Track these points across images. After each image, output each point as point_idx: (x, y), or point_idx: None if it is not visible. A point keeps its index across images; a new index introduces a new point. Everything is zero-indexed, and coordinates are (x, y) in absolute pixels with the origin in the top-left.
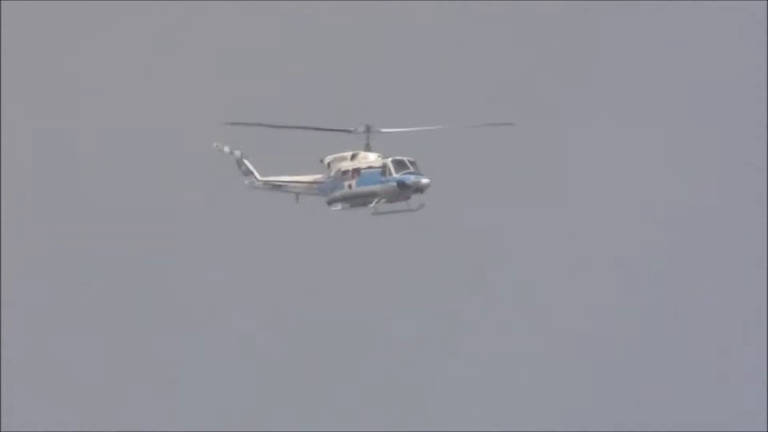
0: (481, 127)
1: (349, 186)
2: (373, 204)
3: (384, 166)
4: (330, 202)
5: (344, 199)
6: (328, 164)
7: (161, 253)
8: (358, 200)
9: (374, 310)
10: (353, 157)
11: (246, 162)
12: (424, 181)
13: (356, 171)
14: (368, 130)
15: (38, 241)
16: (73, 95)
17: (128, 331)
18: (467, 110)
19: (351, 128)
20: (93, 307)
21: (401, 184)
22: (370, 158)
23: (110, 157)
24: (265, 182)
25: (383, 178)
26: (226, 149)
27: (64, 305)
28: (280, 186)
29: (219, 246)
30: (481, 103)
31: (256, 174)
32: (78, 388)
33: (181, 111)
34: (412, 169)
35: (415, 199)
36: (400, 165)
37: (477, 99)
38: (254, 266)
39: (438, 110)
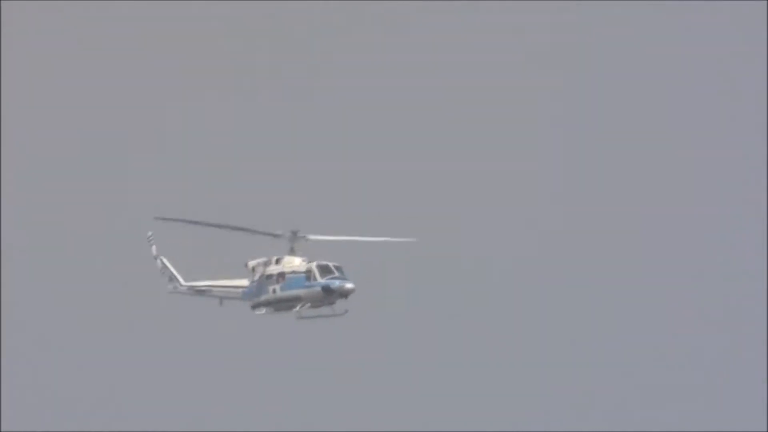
0: (406, 241)
1: (274, 290)
2: (297, 308)
3: (309, 271)
4: (254, 307)
5: (268, 303)
6: (253, 268)
7: (82, 358)
8: (282, 305)
9: (299, 416)
10: (278, 261)
11: (170, 267)
12: (349, 286)
13: (281, 275)
14: (294, 234)
15: None
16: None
17: None
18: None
19: (278, 232)
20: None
21: (326, 289)
22: (295, 263)
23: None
24: (189, 287)
25: (308, 283)
26: (153, 249)
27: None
28: (203, 291)
29: (142, 352)
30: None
31: (180, 279)
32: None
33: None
34: (337, 274)
35: (340, 304)
36: (325, 270)
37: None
38: (179, 372)
39: (363, 220)
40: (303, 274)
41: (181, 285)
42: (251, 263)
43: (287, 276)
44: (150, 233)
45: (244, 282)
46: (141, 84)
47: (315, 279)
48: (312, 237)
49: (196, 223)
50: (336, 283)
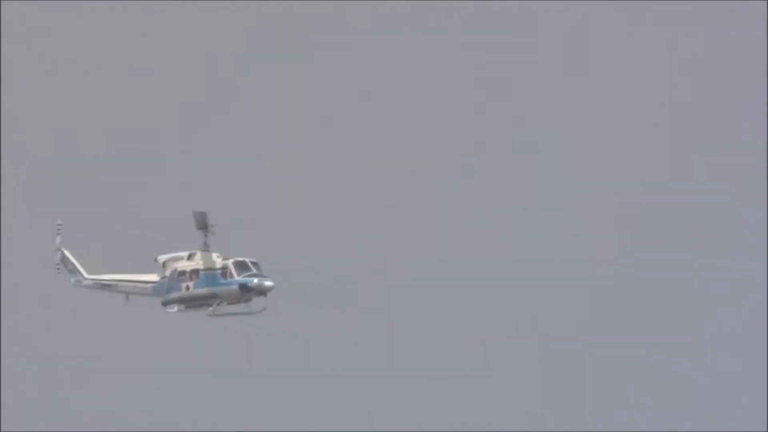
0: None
1: (187, 287)
2: (213, 307)
3: (225, 268)
4: (165, 304)
5: (182, 301)
6: (163, 264)
7: None
8: (196, 302)
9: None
10: (190, 256)
11: (72, 259)
12: (268, 283)
13: (195, 272)
14: (206, 228)
15: None
16: None
17: None
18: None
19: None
20: None
21: (244, 287)
22: (210, 258)
23: None
24: (94, 281)
25: (224, 280)
26: (58, 240)
27: None
28: (109, 285)
29: (43, 350)
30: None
31: (83, 272)
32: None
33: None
34: (254, 271)
35: (258, 301)
36: (242, 266)
37: None
38: (83, 371)
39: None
40: (218, 271)
41: (85, 278)
42: (162, 258)
43: (201, 273)
44: (60, 222)
45: (154, 277)
46: None
47: (231, 276)
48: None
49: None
50: (254, 281)
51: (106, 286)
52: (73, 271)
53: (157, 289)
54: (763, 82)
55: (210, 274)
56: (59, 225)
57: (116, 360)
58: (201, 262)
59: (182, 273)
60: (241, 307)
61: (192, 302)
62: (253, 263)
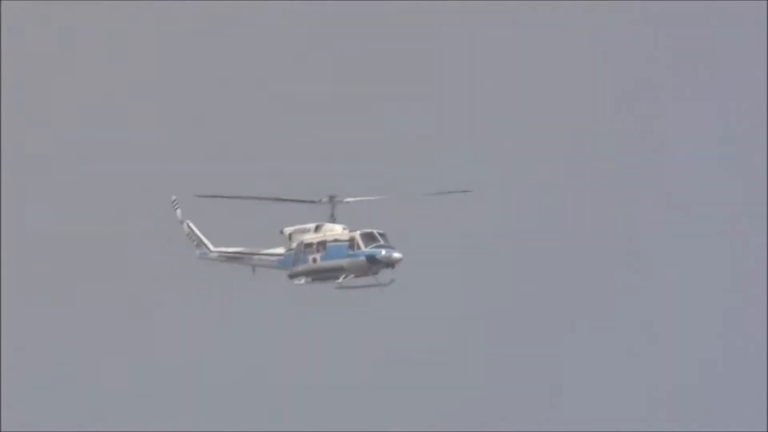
0: (440, 195)
1: (314, 260)
2: (340, 279)
3: (352, 240)
4: (292, 276)
5: (308, 273)
6: (289, 236)
7: (112, 329)
8: (323, 275)
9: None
10: (317, 228)
11: (197, 231)
12: (397, 255)
13: (321, 244)
14: (332, 200)
15: None
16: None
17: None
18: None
19: (316, 198)
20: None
21: (371, 259)
22: (336, 230)
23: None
24: (220, 253)
25: (351, 252)
26: (179, 213)
27: None
28: (235, 258)
29: (171, 323)
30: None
31: (209, 245)
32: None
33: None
34: (381, 242)
35: (385, 273)
36: (369, 238)
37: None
38: (211, 343)
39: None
40: (346, 243)
41: (211, 251)
42: (287, 230)
43: (328, 245)
44: (174, 197)
45: (280, 250)
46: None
47: (359, 248)
48: (350, 200)
49: (233, 197)
50: (382, 253)
51: (231, 259)
52: (199, 244)
53: (284, 262)
54: (764, 82)
55: (337, 246)
56: (174, 200)
57: (243, 332)
58: (327, 235)
59: (309, 245)
60: (368, 280)
61: (319, 275)
62: (381, 234)
